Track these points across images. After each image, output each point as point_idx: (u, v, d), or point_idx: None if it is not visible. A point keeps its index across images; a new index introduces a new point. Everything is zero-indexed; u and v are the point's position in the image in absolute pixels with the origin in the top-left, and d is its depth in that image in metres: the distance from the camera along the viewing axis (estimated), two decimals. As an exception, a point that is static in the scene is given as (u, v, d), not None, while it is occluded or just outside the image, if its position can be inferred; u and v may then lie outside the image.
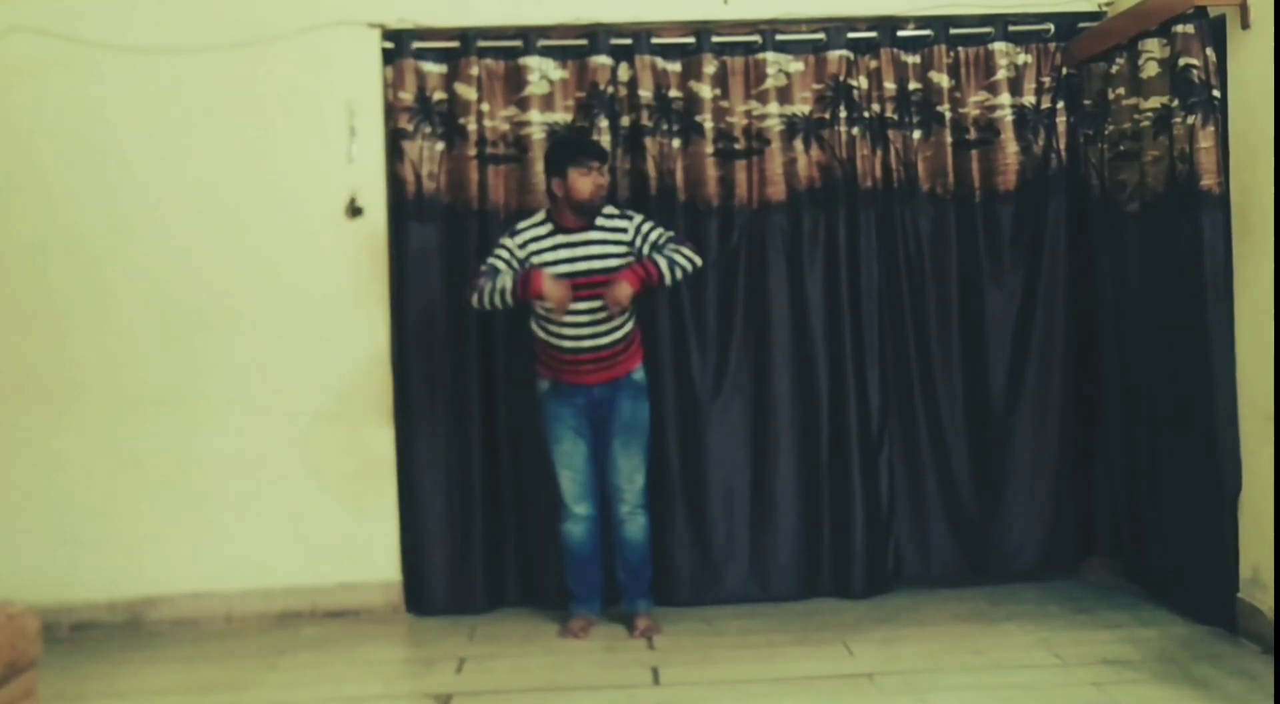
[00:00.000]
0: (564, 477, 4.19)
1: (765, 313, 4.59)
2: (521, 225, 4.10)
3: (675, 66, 4.57)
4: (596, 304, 4.00)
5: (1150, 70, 4.07)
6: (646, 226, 4.11)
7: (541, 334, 4.11)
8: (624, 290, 3.94)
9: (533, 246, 4.03)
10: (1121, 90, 4.28)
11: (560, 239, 4.03)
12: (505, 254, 4.03)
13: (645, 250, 4.06)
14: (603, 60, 4.53)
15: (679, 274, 4.04)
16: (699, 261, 4.11)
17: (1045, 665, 3.77)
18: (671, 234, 4.15)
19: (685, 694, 3.66)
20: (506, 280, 3.95)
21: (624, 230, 4.08)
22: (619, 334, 4.11)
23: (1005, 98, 4.61)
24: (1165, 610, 4.20)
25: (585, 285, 4.00)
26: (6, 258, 4.51)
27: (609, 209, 4.13)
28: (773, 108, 4.58)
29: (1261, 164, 3.71)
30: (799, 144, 4.59)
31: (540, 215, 4.11)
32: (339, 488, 4.57)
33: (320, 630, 4.42)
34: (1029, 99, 4.64)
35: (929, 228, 4.64)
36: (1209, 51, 3.84)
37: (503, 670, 3.93)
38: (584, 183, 3.99)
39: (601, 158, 4.08)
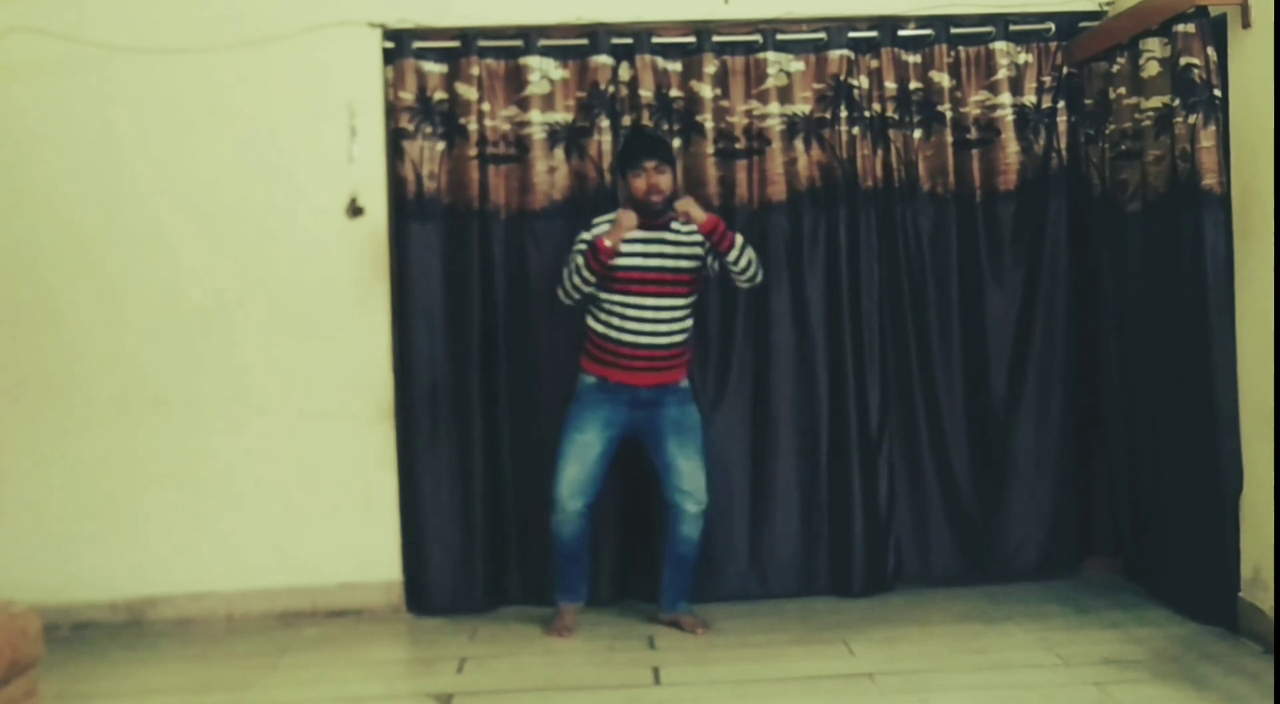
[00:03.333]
0: (570, 467, 4.14)
1: (766, 312, 4.59)
2: (597, 220, 4.15)
3: (676, 66, 4.57)
4: (664, 302, 4.08)
5: (1151, 70, 4.07)
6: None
7: (599, 327, 4.15)
8: (696, 209, 4.02)
9: None
10: (1122, 89, 4.28)
11: (635, 234, 4.07)
12: (583, 248, 4.07)
13: (714, 264, 4.16)
14: (603, 60, 4.53)
15: (746, 260, 4.09)
16: (760, 275, 4.19)
17: (1046, 665, 3.77)
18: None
19: (686, 694, 3.66)
20: (579, 259, 4.04)
21: (699, 243, 4.12)
22: (679, 337, 4.15)
23: (1006, 97, 4.61)
24: (1166, 610, 4.20)
25: (655, 282, 4.08)
26: (7, 257, 4.51)
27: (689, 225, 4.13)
28: (773, 107, 4.58)
29: (1263, 163, 3.70)
30: (799, 144, 4.59)
31: (615, 213, 4.13)
32: (340, 488, 4.57)
33: (321, 630, 4.42)
34: (1030, 98, 4.64)
35: (929, 227, 4.64)
36: (1210, 51, 3.84)
37: (503, 670, 3.93)
38: (637, 184, 4.07)
39: (658, 155, 4.09)
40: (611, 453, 4.20)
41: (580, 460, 4.15)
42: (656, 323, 4.10)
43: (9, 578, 4.25)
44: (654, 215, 4.10)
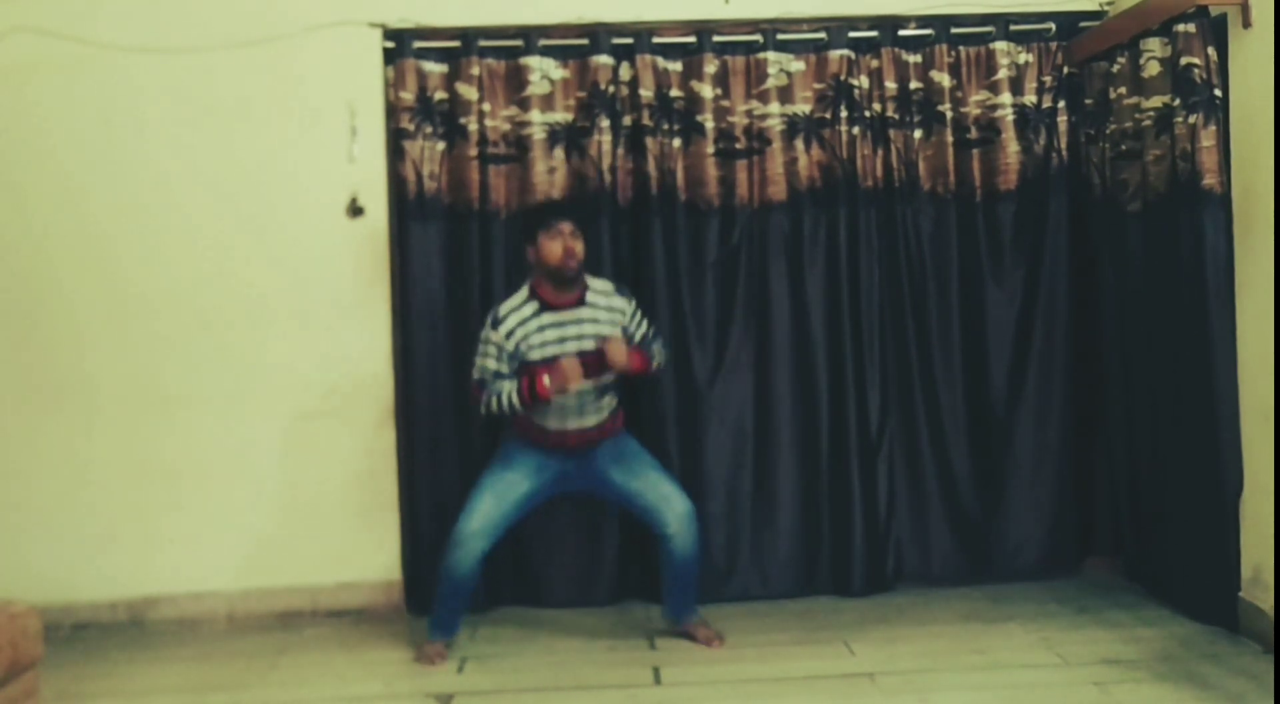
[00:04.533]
0: (485, 502, 3.86)
1: (766, 312, 4.59)
2: (504, 311, 3.86)
3: (676, 66, 4.57)
4: (586, 385, 3.82)
5: (1152, 69, 4.07)
6: (640, 316, 3.99)
7: (520, 409, 3.83)
8: (622, 354, 3.77)
9: (519, 332, 3.82)
10: (1123, 89, 4.28)
11: (548, 319, 3.82)
12: (494, 352, 3.83)
13: (635, 339, 3.96)
14: (604, 60, 4.53)
15: (658, 364, 4.04)
16: (662, 359, 4.11)
17: (1046, 665, 3.77)
18: (654, 329, 4.12)
19: (686, 694, 3.66)
20: (509, 390, 3.77)
21: (621, 312, 3.91)
22: (605, 415, 3.95)
23: (1006, 97, 4.61)
24: (1166, 610, 4.20)
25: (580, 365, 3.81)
26: (9, 256, 4.51)
27: (602, 284, 3.95)
28: (774, 107, 4.58)
29: (1263, 163, 3.71)
30: (800, 143, 4.59)
31: (523, 294, 3.88)
32: (340, 487, 4.58)
33: (321, 630, 4.43)
34: (1030, 98, 4.64)
35: (930, 227, 4.64)
36: (1210, 51, 3.84)
37: (503, 670, 3.93)
38: (553, 246, 3.78)
39: (571, 218, 3.84)
40: (536, 500, 3.96)
41: (498, 498, 3.88)
42: (582, 408, 3.88)
43: (9, 577, 4.26)
44: (568, 286, 3.83)
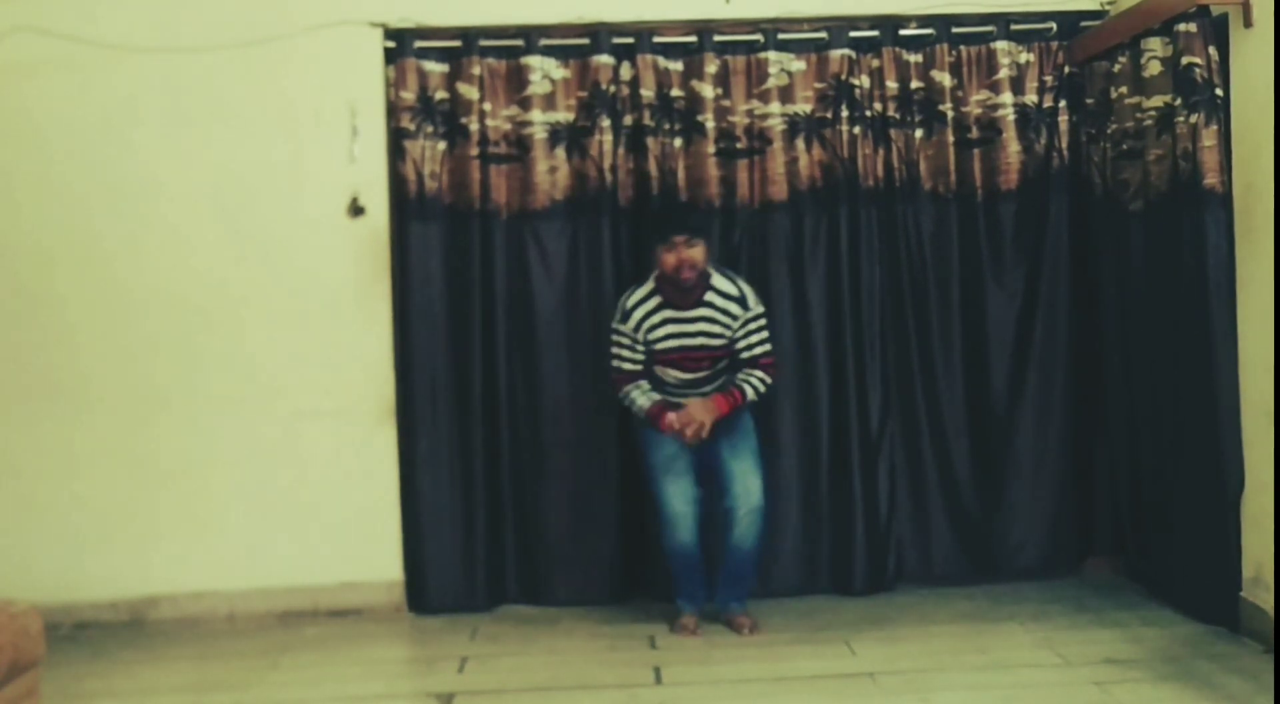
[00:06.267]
0: (667, 481, 4.11)
1: (766, 311, 4.58)
2: (631, 303, 4.10)
3: (677, 66, 4.57)
4: (701, 373, 4.10)
5: (1153, 69, 4.07)
6: (754, 326, 4.09)
7: (644, 419, 4.15)
8: (709, 415, 4.02)
9: (645, 323, 4.08)
10: (1124, 89, 4.28)
11: (669, 314, 4.06)
12: (627, 342, 4.10)
13: (738, 348, 4.08)
14: (604, 59, 4.53)
15: (756, 397, 4.12)
16: (767, 386, 4.15)
17: (1047, 665, 3.77)
18: (766, 350, 4.12)
19: (687, 693, 3.66)
20: (639, 407, 4.09)
21: (734, 317, 4.07)
22: (719, 382, 4.14)
23: (1007, 97, 4.61)
24: (1168, 610, 4.19)
25: (694, 358, 4.09)
26: (10, 254, 4.51)
27: (728, 287, 4.10)
28: (774, 107, 4.58)
29: (1264, 163, 3.70)
30: (801, 143, 4.59)
31: (649, 286, 4.10)
32: (341, 487, 4.57)
33: (322, 630, 4.42)
34: (1031, 98, 4.64)
35: (931, 227, 4.64)
36: (1211, 50, 3.84)
37: (505, 669, 3.93)
38: (668, 258, 3.99)
39: (688, 228, 4.02)
40: (694, 461, 4.14)
41: (674, 472, 4.11)
42: (698, 386, 4.12)
43: (10, 577, 4.25)
44: (686, 291, 4.04)
